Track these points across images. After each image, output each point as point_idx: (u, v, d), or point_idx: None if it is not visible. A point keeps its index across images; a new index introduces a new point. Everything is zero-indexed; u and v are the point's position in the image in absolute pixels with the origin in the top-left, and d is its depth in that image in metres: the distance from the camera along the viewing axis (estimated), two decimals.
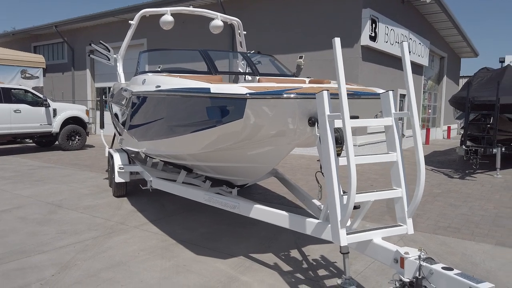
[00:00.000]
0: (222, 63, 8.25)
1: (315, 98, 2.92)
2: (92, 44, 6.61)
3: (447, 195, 6.69)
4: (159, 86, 3.82)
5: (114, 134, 7.97)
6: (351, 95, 3.13)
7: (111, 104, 7.09)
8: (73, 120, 12.25)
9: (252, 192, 6.65)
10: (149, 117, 4.23)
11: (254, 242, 4.30)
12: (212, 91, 2.96)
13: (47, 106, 11.49)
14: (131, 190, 6.61)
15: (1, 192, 6.51)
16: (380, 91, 3.46)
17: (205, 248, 4.11)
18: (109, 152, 6.97)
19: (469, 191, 7.00)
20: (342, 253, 3.30)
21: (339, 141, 2.83)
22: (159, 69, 5.44)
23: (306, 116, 3.07)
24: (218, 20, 6.57)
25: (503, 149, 8.97)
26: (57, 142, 12.32)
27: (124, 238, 4.35)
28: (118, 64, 6.55)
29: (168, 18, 6.06)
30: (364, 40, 11.01)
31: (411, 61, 14.39)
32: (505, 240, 4.39)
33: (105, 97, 17.57)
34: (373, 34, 11.31)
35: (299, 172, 8.60)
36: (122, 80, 6.32)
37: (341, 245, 2.46)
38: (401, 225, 2.69)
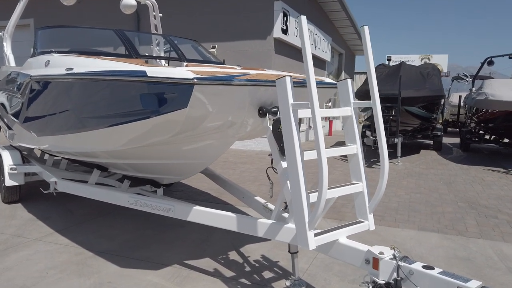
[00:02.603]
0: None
1: (269, 85, 2.63)
2: None
3: None
4: (71, 69, 3.14)
5: None
6: (301, 83, 2.90)
7: None
8: None
9: (172, 190, 6.14)
10: (56, 107, 3.49)
11: (187, 246, 3.88)
12: (149, 74, 2.47)
13: None
14: (26, 194, 5.57)
15: None
16: (328, 80, 3.31)
17: (130, 258, 3.56)
18: None
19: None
20: (291, 253, 3.10)
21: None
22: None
23: (256, 105, 2.77)
24: None
25: (402, 138, 9.82)
26: None
27: (25, 255, 3.56)
28: (5, 43, 5.43)
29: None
30: (277, 32, 11.06)
31: (316, 56, 15.07)
32: (424, 225, 4.67)
33: None
34: (284, 27, 11.42)
35: (218, 166, 8.28)
36: (12, 63, 5.25)
37: (310, 249, 2.22)
38: (363, 221, 2.57)
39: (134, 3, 5.90)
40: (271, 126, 2.73)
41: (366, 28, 2.43)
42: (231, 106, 2.69)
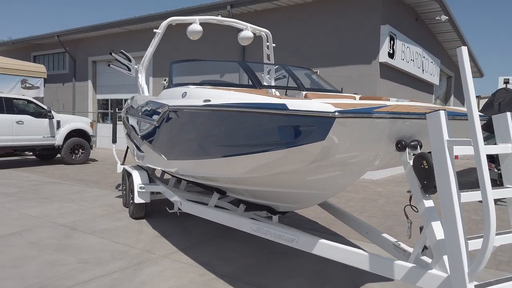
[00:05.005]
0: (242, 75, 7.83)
1: (410, 118, 2.49)
2: (113, 54, 6.17)
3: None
4: (209, 101, 3.37)
5: (127, 149, 7.47)
6: (452, 115, 2.70)
7: (126, 117, 6.61)
8: (76, 133, 11.69)
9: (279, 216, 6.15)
10: (192, 135, 3.76)
11: (304, 278, 3.80)
12: (290, 107, 2.51)
13: (51, 117, 10.95)
14: (148, 211, 6.08)
15: (7, 211, 5.94)
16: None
17: (250, 285, 3.60)
18: (124, 169, 6.47)
19: None
20: None
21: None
22: (165, 83, 5.02)
23: (393, 138, 2.64)
24: (248, 31, 6.20)
25: None
26: (59, 155, 11.74)
27: (157, 271, 3.82)
28: (139, 75, 6.11)
29: (197, 27, 5.65)
30: (383, 57, 10.71)
31: (423, 79, 14.21)
32: None
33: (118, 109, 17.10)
34: (391, 51, 11.02)
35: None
36: (146, 92, 5.86)
37: None
38: None
39: (251, 35, 6.23)
40: (411, 161, 2.57)
41: (464, 48, 2.10)
42: (368, 139, 2.60)
